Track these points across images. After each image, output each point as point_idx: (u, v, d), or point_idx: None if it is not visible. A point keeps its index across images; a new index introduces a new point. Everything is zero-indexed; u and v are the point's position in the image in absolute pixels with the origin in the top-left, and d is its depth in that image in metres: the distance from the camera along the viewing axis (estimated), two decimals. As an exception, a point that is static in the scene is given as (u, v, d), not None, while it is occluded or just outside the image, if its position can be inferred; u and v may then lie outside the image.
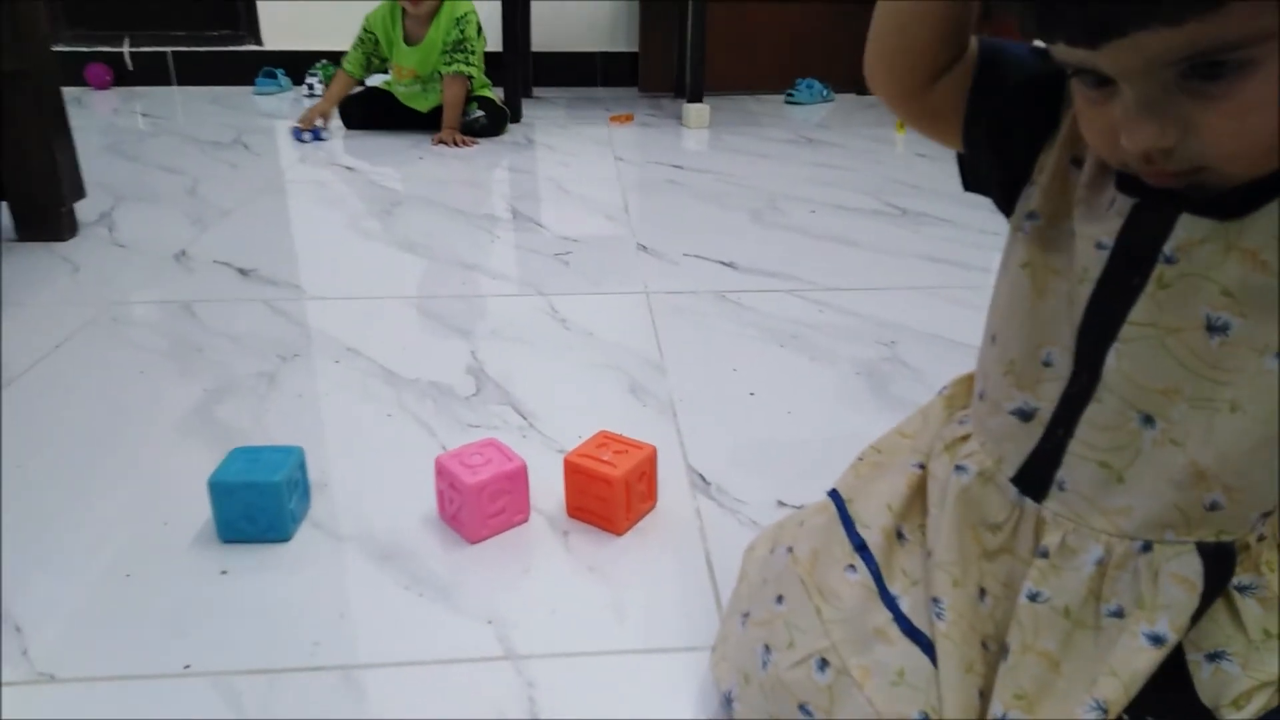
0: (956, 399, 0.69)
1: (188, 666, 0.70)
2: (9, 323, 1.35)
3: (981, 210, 2.11)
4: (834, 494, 0.68)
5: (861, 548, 0.63)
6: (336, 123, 2.88)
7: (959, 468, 0.60)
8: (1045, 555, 0.55)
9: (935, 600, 0.57)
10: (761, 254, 1.69)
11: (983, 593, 0.58)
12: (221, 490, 0.83)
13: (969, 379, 0.68)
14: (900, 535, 0.63)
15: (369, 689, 0.69)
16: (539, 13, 3.61)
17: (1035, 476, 0.56)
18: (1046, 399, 0.56)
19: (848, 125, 3.07)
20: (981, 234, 1.83)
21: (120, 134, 2.81)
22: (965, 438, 0.62)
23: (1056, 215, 0.55)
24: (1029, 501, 0.56)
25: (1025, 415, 0.57)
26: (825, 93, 3.52)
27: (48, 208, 1.72)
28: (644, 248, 1.74)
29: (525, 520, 0.89)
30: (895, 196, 2.10)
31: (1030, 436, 0.57)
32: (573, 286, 1.53)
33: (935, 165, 2.46)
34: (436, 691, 0.69)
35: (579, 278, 1.58)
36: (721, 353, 1.28)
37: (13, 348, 1.27)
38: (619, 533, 0.87)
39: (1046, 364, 0.56)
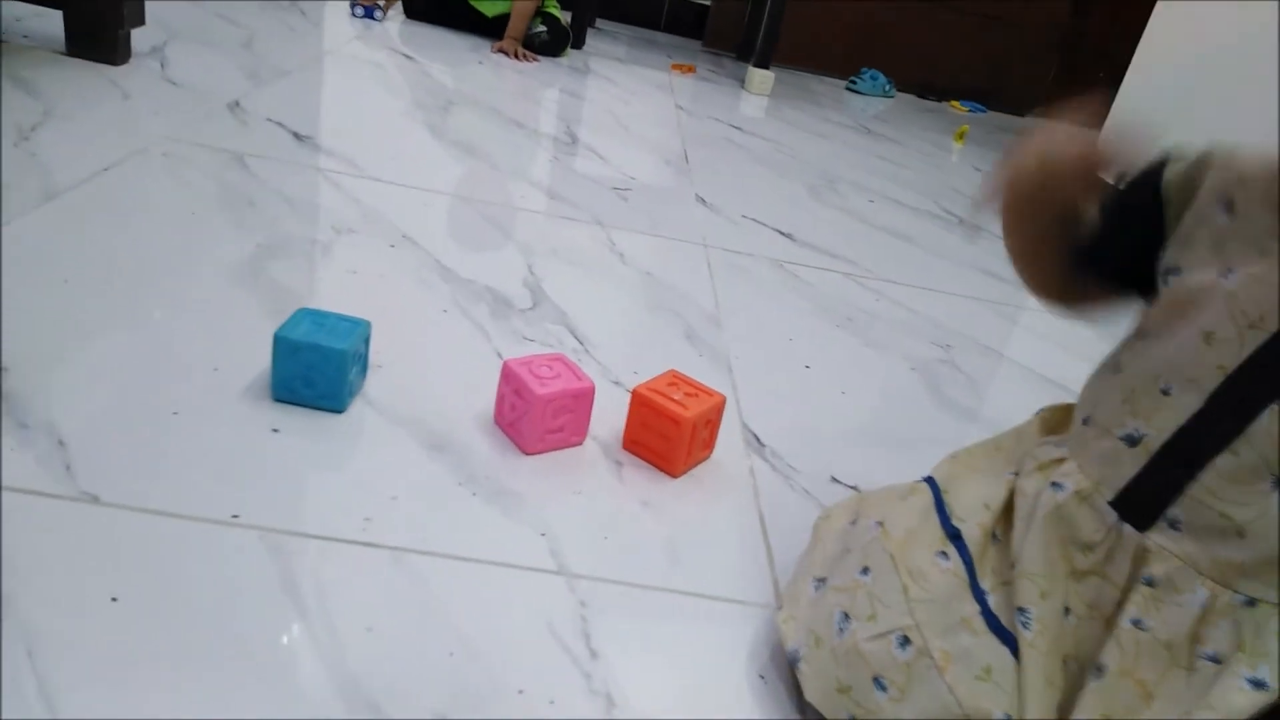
0: (1051, 423, 0.70)
1: (236, 516, 0.68)
2: (54, 134, 1.30)
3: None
4: (930, 480, 0.67)
5: (956, 537, 0.62)
6: (396, 8, 2.79)
7: (1055, 484, 0.60)
8: (1151, 584, 0.54)
9: (1021, 610, 0.57)
10: (819, 231, 1.67)
11: (1067, 610, 0.57)
12: (286, 347, 0.80)
13: (1065, 408, 0.69)
14: (995, 536, 0.63)
15: (421, 575, 0.67)
16: (619, -57, 3.51)
17: (1139, 505, 0.56)
18: (1157, 427, 0.56)
19: (906, 124, 3.03)
20: (1035, 259, 1.81)
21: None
22: (1061, 460, 0.62)
23: (1207, 259, 0.56)
24: (1129, 528, 0.56)
25: (1132, 441, 0.57)
26: (887, 87, 3.47)
27: (105, 27, 1.65)
28: (703, 200, 1.71)
29: (580, 443, 0.87)
30: (952, 203, 2.08)
31: (1134, 462, 0.56)
32: (631, 223, 1.50)
33: (991, 182, 2.44)
34: (488, 590, 0.67)
35: (638, 216, 1.54)
36: (778, 320, 1.26)
37: (59, 161, 1.22)
38: (675, 474, 0.85)
39: (1164, 393, 0.56)
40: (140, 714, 0.52)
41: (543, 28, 2.71)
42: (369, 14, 2.64)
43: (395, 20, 2.73)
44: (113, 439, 0.73)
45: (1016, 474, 0.65)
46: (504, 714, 0.58)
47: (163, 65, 1.74)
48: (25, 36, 1.70)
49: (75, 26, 1.65)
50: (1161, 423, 0.55)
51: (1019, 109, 3.84)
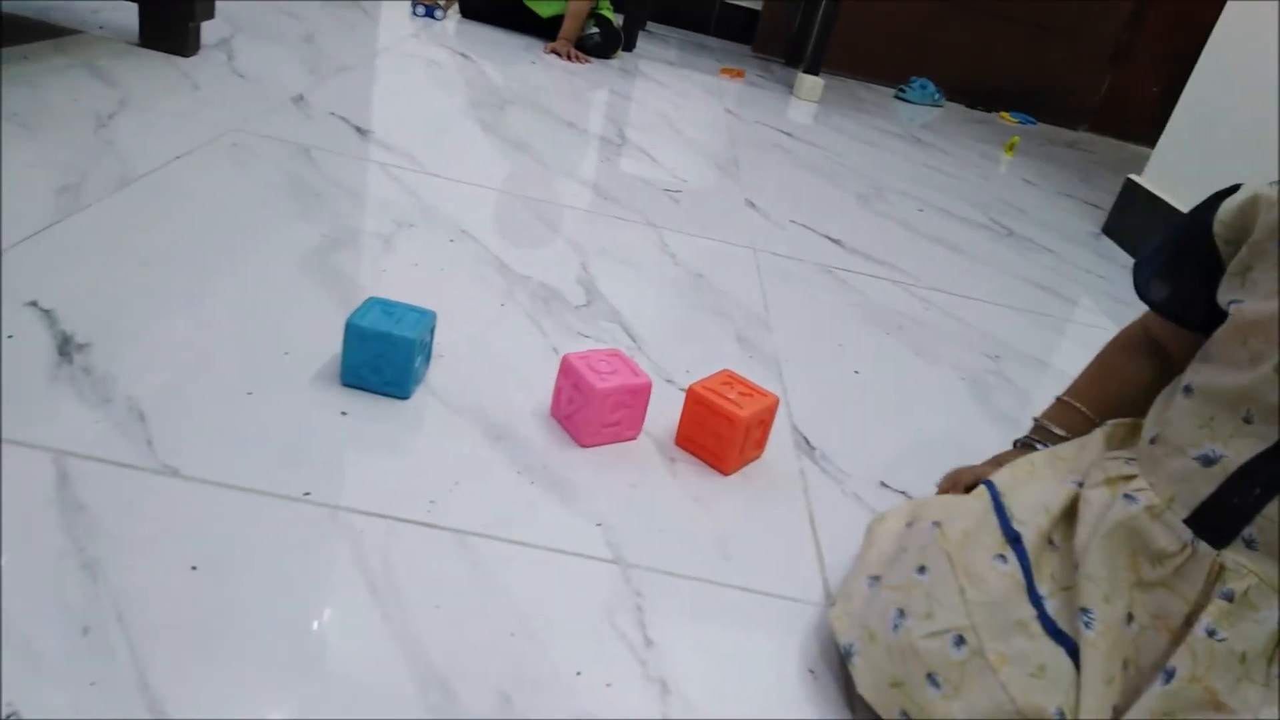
0: (1115, 438, 0.71)
1: (307, 494, 0.71)
2: (130, 121, 1.34)
3: (1086, 249, 2.10)
4: (989, 484, 0.67)
5: (1015, 540, 0.63)
6: (455, 7, 2.84)
7: (1128, 497, 0.61)
8: (1230, 599, 0.55)
9: (1084, 610, 0.58)
10: (868, 238, 1.67)
11: (1130, 617, 0.58)
12: (357, 334, 0.82)
13: (1130, 424, 0.72)
14: (1051, 541, 0.63)
15: (483, 557, 0.69)
16: (671, -53, 3.53)
17: (1215, 523, 0.57)
18: (1235, 450, 0.58)
19: (955, 134, 3.02)
20: (1086, 272, 1.80)
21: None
22: (1131, 476, 0.63)
23: (1272, 294, 0.59)
24: (1204, 545, 0.57)
25: (1209, 461, 0.58)
26: (936, 96, 3.46)
27: (177, 20, 1.70)
28: (752, 205, 1.72)
29: (634, 438, 0.89)
30: (1002, 215, 2.07)
31: (1209, 481, 0.58)
32: (682, 225, 1.52)
33: (1042, 194, 2.42)
34: (548, 576, 0.69)
35: (688, 218, 1.56)
36: (827, 325, 1.27)
37: (134, 149, 1.26)
38: (726, 472, 0.87)
39: (1246, 420, 0.58)
40: (222, 679, 0.55)
41: (595, 29, 2.74)
42: (429, 13, 2.69)
43: (453, 20, 2.78)
44: (191, 415, 0.76)
45: (1081, 484, 0.66)
46: (564, 694, 0.60)
47: (230, 58, 1.79)
48: (101, 28, 1.76)
49: (149, 19, 1.71)
50: (1240, 447, 0.57)
51: (1070, 122, 3.80)
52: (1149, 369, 0.75)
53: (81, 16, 1.79)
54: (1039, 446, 0.79)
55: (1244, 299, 0.62)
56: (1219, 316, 0.64)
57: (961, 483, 0.81)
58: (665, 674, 0.63)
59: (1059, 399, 0.82)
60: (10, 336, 0.81)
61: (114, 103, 1.41)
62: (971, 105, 3.64)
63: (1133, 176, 2.09)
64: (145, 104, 1.44)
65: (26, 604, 0.56)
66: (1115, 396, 0.77)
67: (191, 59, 1.72)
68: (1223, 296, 0.64)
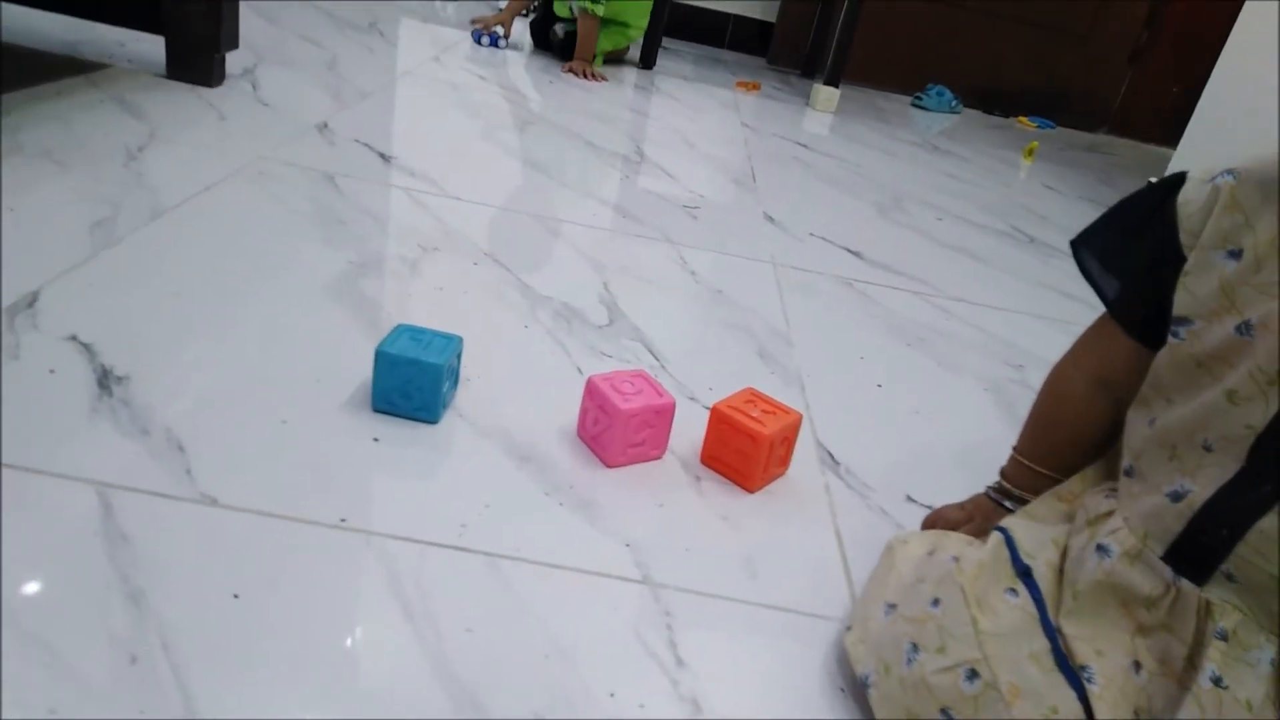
0: (1112, 464, 0.70)
1: (343, 520, 0.72)
2: (159, 154, 1.38)
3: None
4: (1000, 528, 0.68)
5: (1025, 574, 0.63)
6: (516, 36, 2.88)
7: (1101, 548, 0.60)
8: (1224, 638, 0.54)
9: (1083, 667, 0.57)
10: (887, 249, 1.67)
11: (1137, 666, 0.58)
12: (387, 361, 0.84)
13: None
14: (1063, 573, 0.63)
15: (514, 580, 0.70)
16: (685, -38, 3.56)
17: (1192, 559, 0.57)
18: (1201, 484, 0.57)
19: (973, 141, 3.01)
20: (1108, 279, 1.79)
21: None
22: (1108, 514, 0.62)
23: (1217, 312, 0.57)
24: (1186, 583, 0.56)
25: (1177, 497, 0.58)
26: (954, 103, 3.45)
27: (203, 51, 1.74)
28: (770, 219, 1.73)
29: (659, 457, 0.90)
30: (1022, 222, 2.07)
31: (1180, 518, 0.57)
32: (701, 241, 1.53)
33: (1063, 199, 2.42)
34: (578, 596, 0.70)
35: (707, 234, 1.57)
36: (848, 338, 1.28)
37: (164, 181, 1.29)
38: (751, 490, 0.87)
39: (1206, 449, 0.57)
40: (264, 704, 0.56)
41: (568, 27, 2.76)
42: (494, 41, 2.74)
43: (514, 47, 2.81)
44: (227, 444, 0.78)
45: (1073, 521, 0.66)
46: (597, 715, 0.60)
47: (254, 87, 1.83)
48: (129, 61, 1.80)
49: (175, 51, 1.75)
50: (1205, 480, 0.57)
51: (1089, 125, 3.78)
52: (1101, 410, 0.71)
53: (109, 50, 1.83)
54: (1006, 505, 0.77)
55: (1194, 319, 0.59)
56: (1162, 321, 0.62)
57: (939, 518, 0.81)
58: (697, 694, 0.64)
59: (1014, 455, 0.79)
60: (52, 371, 0.83)
61: (143, 135, 1.44)
62: (989, 111, 3.63)
63: (1154, 179, 2.08)
64: (173, 135, 1.47)
65: (75, 634, 0.58)
66: (1070, 451, 0.73)
67: (217, 89, 1.76)
68: (1175, 311, 0.61)
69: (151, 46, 1.80)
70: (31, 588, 0.61)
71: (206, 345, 0.93)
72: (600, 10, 2.68)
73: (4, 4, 1.73)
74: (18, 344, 0.86)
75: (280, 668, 0.59)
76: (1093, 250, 0.73)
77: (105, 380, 0.83)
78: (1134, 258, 0.68)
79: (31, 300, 0.93)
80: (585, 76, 2.65)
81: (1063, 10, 3.57)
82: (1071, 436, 0.74)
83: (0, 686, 0.53)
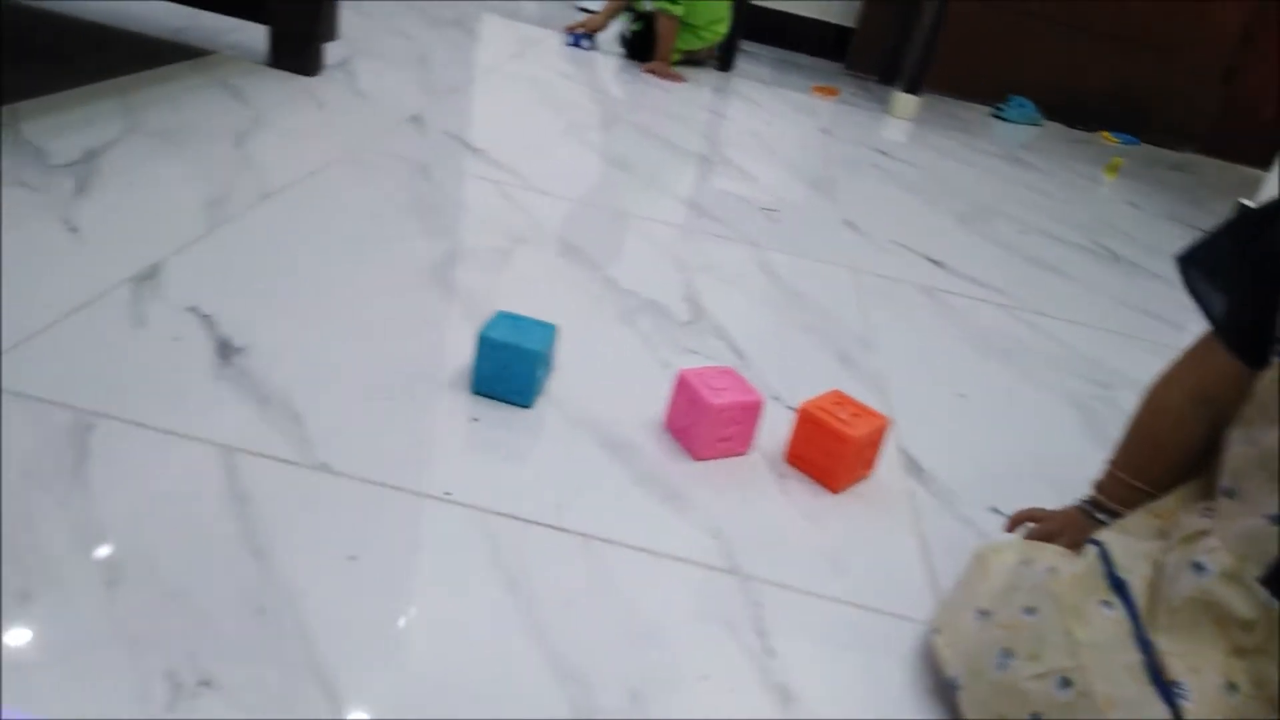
0: (1204, 485, 0.69)
1: (448, 493, 0.76)
2: (264, 139, 1.44)
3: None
4: (1095, 541, 0.68)
5: (1120, 587, 0.63)
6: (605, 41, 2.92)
7: (1196, 565, 0.60)
8: None
9: (1175, 683, 0.57)
10: (969, 260, 1.66)
11: (1232, 686, 0.57)
12: (490, 346, 0.87)
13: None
14: (1157, 587, 0.63)
15: (608, 561, 0.73)
16: (766, -35, 3.56)
17: None
18: None
19: (1055, 154, 2.96)
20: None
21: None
22: (1204, 533, 0.62)
23: None
24: None
25: (1278, 521, 0.57)
26: (1035, 115, 3.39)
27: (304, 41, 1.80)
28: (850, 225, 1.73)
29: (745, 453, 0.92)
30: (1106, 238, 2.03)
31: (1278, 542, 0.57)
32: (781, 244, 1.54)
33: (1148, 218, 2.36)
34: (669, 582, 0.72)
35: (787, 237, 1.58)
36: (930, 347, 1.28)
37: (270, 164, 1.35)
38: (835, 490, 0.89)
39: None
40: (381, 661, 0.60)
41: (636, 24, 2.77)
42: (577, 42, 2.81)
43: (603, 50, 2.85)
44: (339, 416, 0.82)
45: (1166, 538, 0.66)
46: (691, 697, 0.62)
47: (350, 78, 1.89)
48: (232, 48, 1.88)
49: (279, 40, 1.82)
50: None
51: (1174, 143, 3.68)
52: (1199, 427, 0.71)
53: (213, 38, 1.91)
54: (1099, 517, 0.77)
55: None
56: (1266, 341, 0.61)
57: (1029, 519, 0.81)
58: (787, 683, 0.65)
59: (1109, 469, 0.79)
60: (177, 339, 0.88)
61: (249, 120, 1.51)
62: (1071, 124, 3.56)
63: (1245, 201, 2.03)
64: (277, 121, 1.53)
65: (208, 585, 0.62)
66: (1167, 466, 0.74)
67: (315, 78, 1.82)
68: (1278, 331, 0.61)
69: (251, 35, 1.88)
70: (167, 540, 0.65)
71: (316, 322, 0.97)
72: (679, 10, 2.71)
73: (122, -9, 1.82)
74: (143, 312, 0.91)
75: (395, 629, 0.62)
76: (1199, 267, 0.73)
77: (225, 350, 0.88)
78: (1240, 277, 0.68)
79: (154, 272, 0.99)
80: (664, 77, 2.68)
81: (1152, 24, 3.48)
82: (1169, 452, 0.74)
83: (0, 686, 0.57)
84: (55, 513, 0.65)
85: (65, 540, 0.63)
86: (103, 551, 0.63)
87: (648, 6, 2.72)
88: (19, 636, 0.56)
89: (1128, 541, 0.67)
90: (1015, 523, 0.84)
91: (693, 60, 2.90)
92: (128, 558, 0.63)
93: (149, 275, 0.98)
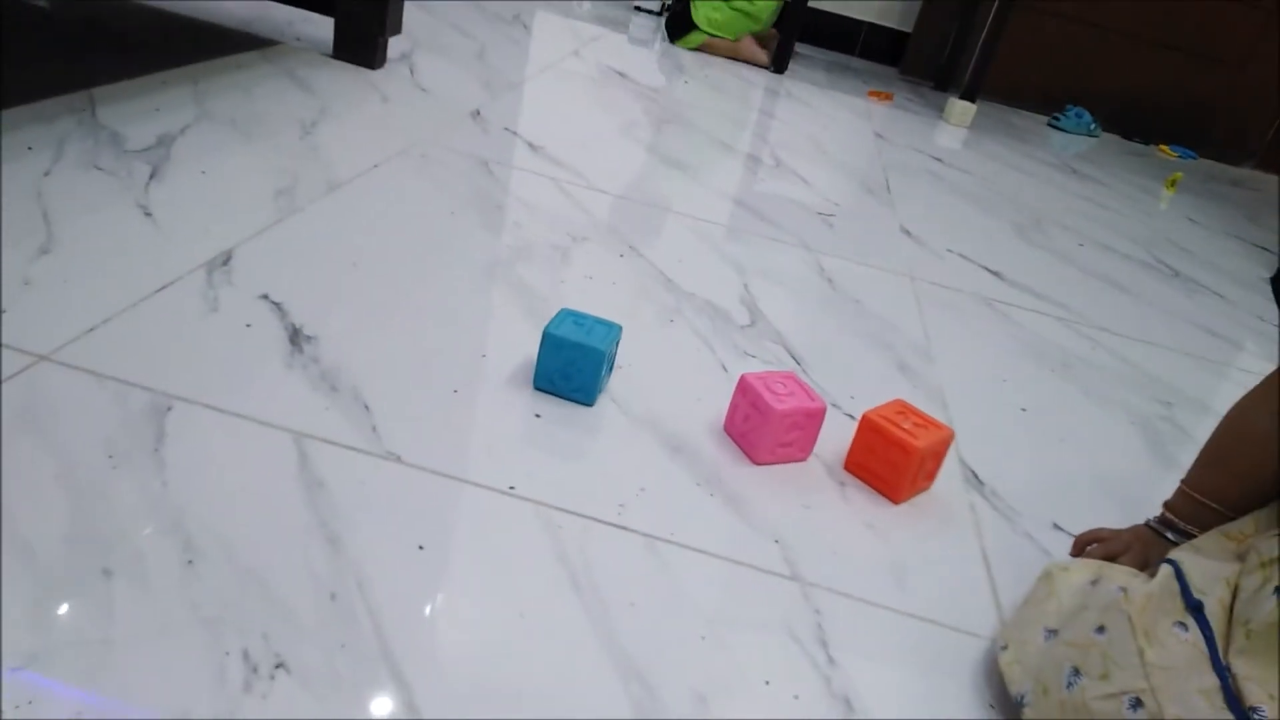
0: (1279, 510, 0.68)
1: (512, 488, 0.76)
2: (330, 130, 1.46)
3: (1257, 294, 2.00)
4: (1170, 560, 0.67)
5: (1197, 609, 0.62)
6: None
7: (1278, 590, 0.59)
8: None
9: (1254, 709, 0.56)
10: (1028, 271, 1.64)
11: None
12: (553, 343, 0.88)
13: None
14: (1233, 613, 0.62)
15: (670, 562, 0.73)
16: (822, -32, 3.53)
17: None
18: None
19: (1112, 166, 2.90)
20: (1259, 319, 1.71)
21: (411, -17, 2.94)
22: None
23: None
24: None
25: None
26: (1092, 126, 3.33)
27: (369, 35, 1.83)
28: (907, 232, 1.71)
29: (804, 459, 0.91)
30: (1166, 254, 1.99)
31: None
32: (837, 249, 1.53)
33: (1208, 234, 2.31)
34: (731, 585, 0.72)
35: (843, 243, 1.57)
36: (990, 359, 1.26)
37: (336, 155, 1.37)
38: (896, 501, 0.88)
39: None
40: (448, 651, 0.60)
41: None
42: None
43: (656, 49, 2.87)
44: (407, 407, 0.83)
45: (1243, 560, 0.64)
46: (754, 701, 0.62)
47: (412, 71, 1.91)
48: (298, 39, 1.91)
49: (343, 32, 1.84)
50: None
51: (1234, 158, 3.59)
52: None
53: (280, 28, 1.94)
54: (1169, 536, 0.76)
55: None
56: None
57: (1096, 539, 0.80)
58: (849, 693, 0.65)
59: (1183, 488, 0.78)
60: (249, 325, 0.90)
61: (315, 111, 1.53)
62: (1128, 136, 3.49)
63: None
64: (342, 113, 1.55)
65: (283, 569, 0.63)
66: (1246, 489, 0.72)
67: (379, 71, 1.84)
68: None
69: (317, 27, 1.91)
70: (242, 522, 0.66)
71: (383, 313, 0.98)
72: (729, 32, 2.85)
73: (193, -19, 1.86)
74: (217, 298, 0.93)
75: (462, 619, 0.63)
76: None
77: (296, 338, 0.89)
78: None
79: (226, 259, 1.01)
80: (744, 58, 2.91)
81: (1212, 37, 3.40)
82: (1249, 475, 0.73)
83: (1, 687, 0.58)
84: (135, 492, 0.67)
85: (145, 519, 0.65)
86: (181, 531, 0.64)
87: None
88: (101, 613, 0.57)
89: (1203, 562, 0.66)
90: (1080, 545, 0.82)
91: (739, 57, 2.97)
92: (205, 538, 0.64)
93: (222, 262, 1.00)
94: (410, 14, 2.39)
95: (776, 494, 0.85)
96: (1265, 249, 2.29)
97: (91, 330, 0.83)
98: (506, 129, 1.70)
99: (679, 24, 2.97)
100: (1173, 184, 2.76)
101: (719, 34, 2.93)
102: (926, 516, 0.87)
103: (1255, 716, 0.56)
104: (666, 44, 2.99)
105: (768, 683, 0.64)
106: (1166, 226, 2.29)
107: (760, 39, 3.02)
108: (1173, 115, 3.51)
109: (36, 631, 0.55)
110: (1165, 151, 3.41)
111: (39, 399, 0.73)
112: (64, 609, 0.57)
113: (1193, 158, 3.44)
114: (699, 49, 2.97)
